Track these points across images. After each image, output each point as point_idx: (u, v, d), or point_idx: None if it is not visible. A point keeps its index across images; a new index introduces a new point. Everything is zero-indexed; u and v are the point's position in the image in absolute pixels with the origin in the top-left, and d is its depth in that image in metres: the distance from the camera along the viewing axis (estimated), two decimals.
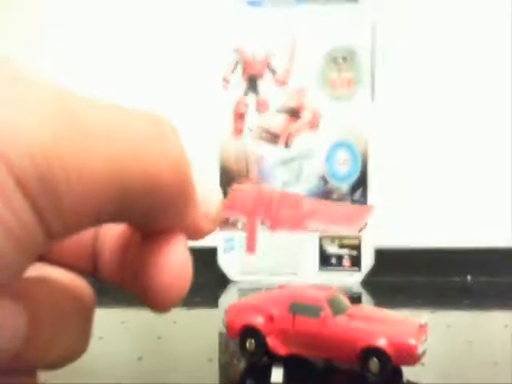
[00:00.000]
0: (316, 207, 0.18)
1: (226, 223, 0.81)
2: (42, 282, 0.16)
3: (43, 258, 0.18)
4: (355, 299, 0.68)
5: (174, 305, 0.16)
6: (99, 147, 0.12)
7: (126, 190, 0.13)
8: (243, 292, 0.76)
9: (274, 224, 0.17)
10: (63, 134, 0.12)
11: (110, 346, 0.51)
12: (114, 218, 0.13)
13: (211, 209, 0.16)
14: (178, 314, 0.63)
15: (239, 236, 0.81)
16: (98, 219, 0.13)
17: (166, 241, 0.16)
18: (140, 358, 0.49)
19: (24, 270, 0.13)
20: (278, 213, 0.17)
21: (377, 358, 0.42)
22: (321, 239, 0.80)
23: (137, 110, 0.14)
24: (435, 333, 0.46)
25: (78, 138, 0.12)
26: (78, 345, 0.17)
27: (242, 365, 0.48)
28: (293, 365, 0.46)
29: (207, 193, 0.16)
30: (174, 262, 0.15)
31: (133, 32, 0.88)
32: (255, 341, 0.46)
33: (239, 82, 0.81)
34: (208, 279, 0.77)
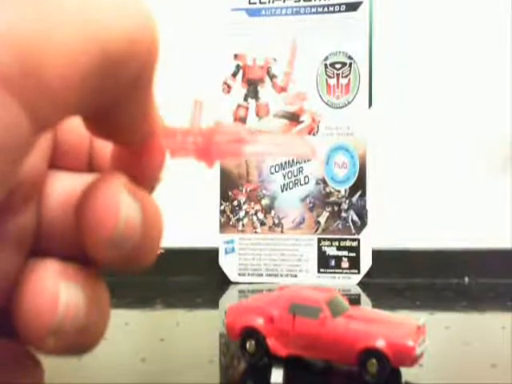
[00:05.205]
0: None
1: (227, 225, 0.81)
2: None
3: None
4: (354, 300, 0.68)
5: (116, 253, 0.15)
6: (72, 12, 0.11)
7: (109, 54, 0.12)
8: (244, 293, 0.76)
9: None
10: (29, 10, 0.11)
11: (113, 347, 0.51)
12: (100, 91, 0.12)
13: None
14: (180, 316, 0.64)
15: (240, 237, 0.81)
16: (84, 95, 0.12)
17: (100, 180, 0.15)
18: (143, 360, 0.50)
19: (16, 175, 0.12)
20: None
21: (375, 359, 0.42)
22: (319, 241, 0.80)
23: None
24: (433, 334, 0.47)
25: (47, 8, 0.11)
26: None
27: (242, 366, 0.48)
28: (293, 366, 0.46)
29: None
30: (102, 201, 0.14)
31: None
32: (255, 342, 0.46)
33: (240, 87, 0.82)
34: (209, 280, 0.77)
